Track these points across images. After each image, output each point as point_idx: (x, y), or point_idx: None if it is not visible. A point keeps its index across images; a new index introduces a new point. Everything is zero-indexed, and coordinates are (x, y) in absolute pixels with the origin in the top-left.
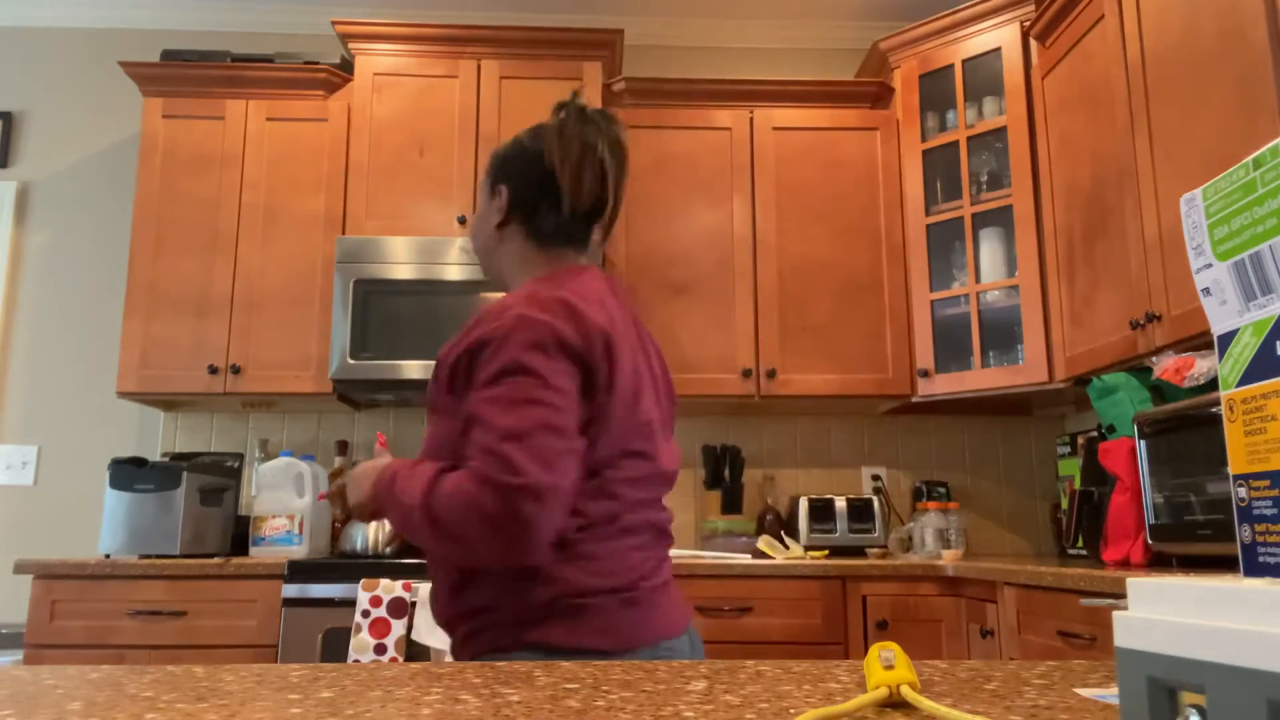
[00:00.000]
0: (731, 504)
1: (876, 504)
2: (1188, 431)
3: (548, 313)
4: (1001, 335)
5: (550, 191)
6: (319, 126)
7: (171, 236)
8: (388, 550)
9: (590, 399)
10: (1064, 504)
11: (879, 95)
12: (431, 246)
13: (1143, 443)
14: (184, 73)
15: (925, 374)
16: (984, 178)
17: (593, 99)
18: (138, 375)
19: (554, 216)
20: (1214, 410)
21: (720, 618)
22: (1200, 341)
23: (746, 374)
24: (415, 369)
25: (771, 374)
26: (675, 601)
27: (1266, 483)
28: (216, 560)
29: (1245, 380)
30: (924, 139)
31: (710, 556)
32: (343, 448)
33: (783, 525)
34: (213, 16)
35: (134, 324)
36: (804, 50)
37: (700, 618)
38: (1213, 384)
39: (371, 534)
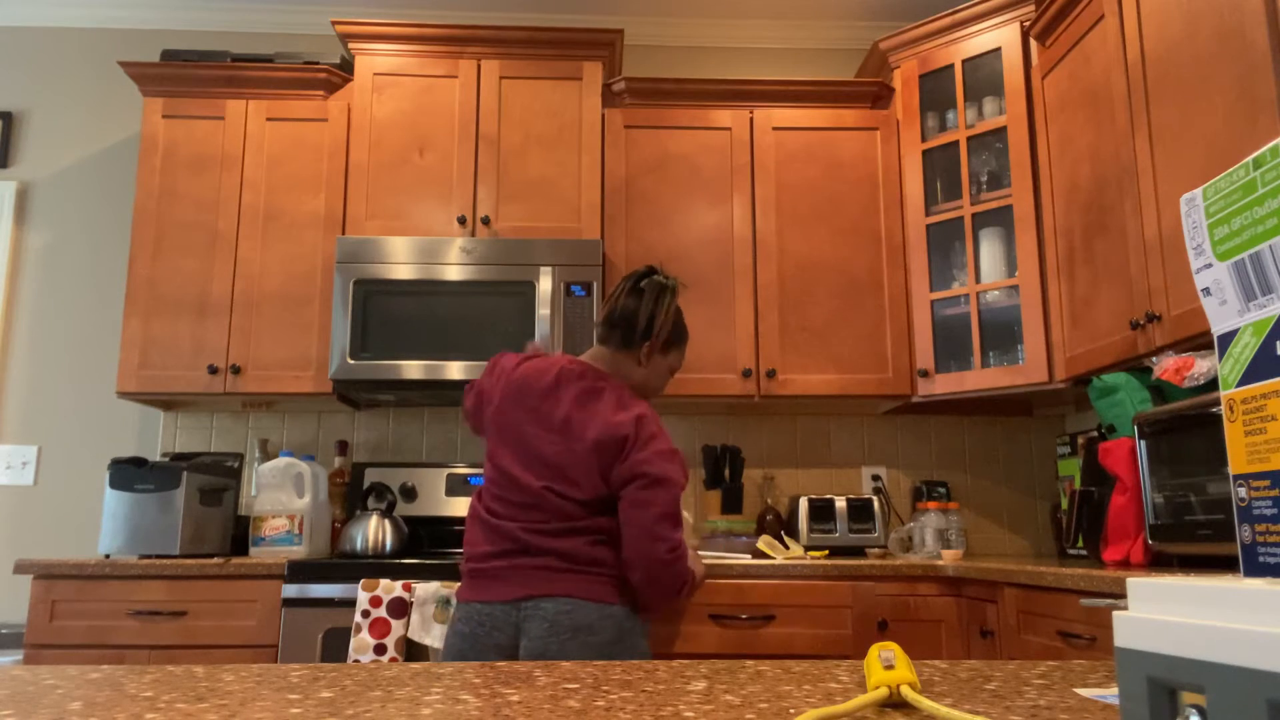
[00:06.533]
0: (731, 504)
1: (876, 504)
2: (1188, 431)
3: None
4: (1001, 335)
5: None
6: (319, 126)
7: (171, 236)
8: (388, 550)
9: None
10: (1064, 504)
11: (879, 95)
12: (431, 246)
13: (1143, 443)
14: (184, 73)
15: (925, 374)
16: (984, 178)
17: (592, 99)
18: (138, 375)
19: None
20: (1214, 410)
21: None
22: (1200, 341)
23: (746, 374)
24: (415, 369)
25: (771, 374)
26: (490, 577)
27: (1266, 483)
28: (216, 560)
29: (1245, 380)
30: (924, 139)
31: (710, 556)
32: (343, 448)
33: (783, 525)
34: (213, 16)
35: (134, 324)
36: (804, 50)
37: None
38: (1213, 384)
39: (372, 534)
